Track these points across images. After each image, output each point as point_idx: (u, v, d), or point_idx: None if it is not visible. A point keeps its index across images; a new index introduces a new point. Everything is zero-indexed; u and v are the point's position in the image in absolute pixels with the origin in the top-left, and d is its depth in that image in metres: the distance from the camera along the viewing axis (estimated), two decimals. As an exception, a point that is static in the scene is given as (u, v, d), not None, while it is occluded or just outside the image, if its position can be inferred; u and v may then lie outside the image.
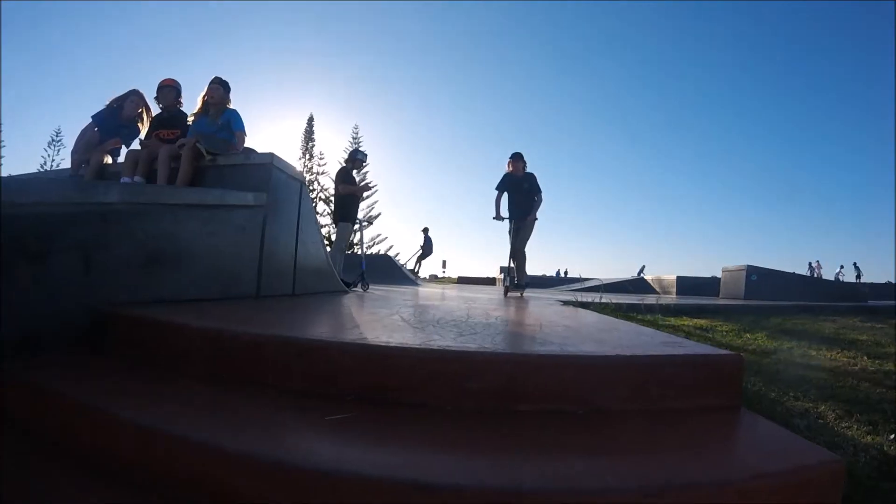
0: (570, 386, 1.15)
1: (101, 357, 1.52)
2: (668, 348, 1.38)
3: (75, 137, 3.60)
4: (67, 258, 1.59)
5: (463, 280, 21.69)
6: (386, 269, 10.31)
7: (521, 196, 5.09)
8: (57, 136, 38.98)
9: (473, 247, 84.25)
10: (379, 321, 1.81)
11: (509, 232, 5.13)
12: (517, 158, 5.14)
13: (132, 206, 1.87)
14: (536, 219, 5.12)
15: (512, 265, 5.21)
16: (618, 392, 1.16)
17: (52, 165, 38.02)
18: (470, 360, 1.17)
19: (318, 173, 30.96)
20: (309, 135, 32.45)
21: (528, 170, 5.20)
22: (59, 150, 38.37)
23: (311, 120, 32.87)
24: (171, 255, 2.03)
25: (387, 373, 1.16)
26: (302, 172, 3.66)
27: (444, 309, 2.69)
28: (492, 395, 1.13)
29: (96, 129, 3.55)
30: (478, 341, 1.37)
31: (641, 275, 18.34)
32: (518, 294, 5.37)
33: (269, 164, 2.70)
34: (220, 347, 1.32)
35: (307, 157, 31.85)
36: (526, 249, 5.22)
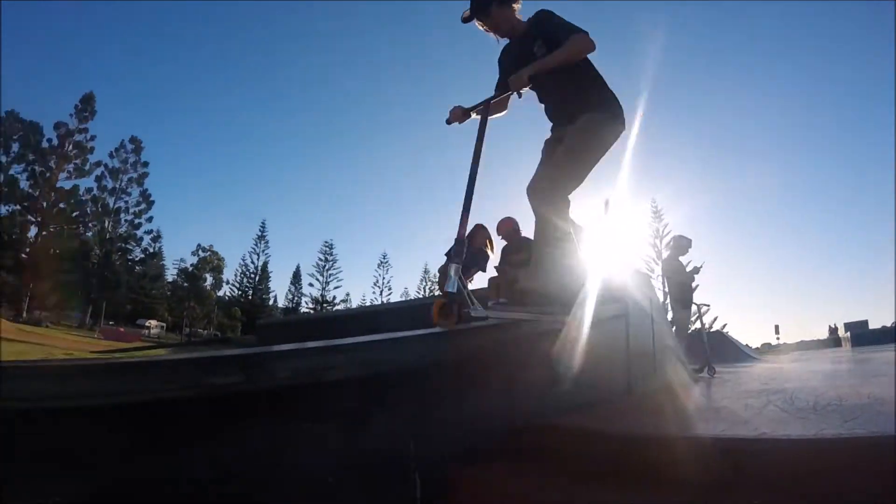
0: None
1: (522, 462, 1.71)
2: None
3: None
4: (496, 382, 1.90)
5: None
6: (719, 347, 8.90)
7: None
8: (384, 258, 52.07)
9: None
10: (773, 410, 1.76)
11: None
12: None
13: (536, 332, 2.27)
14: None
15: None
16: None
17: (382, 283, 50.32)
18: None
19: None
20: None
21: None
22: (387, 270, 50.58)
23: (607, 204, 35.02)
24: (565, 368, 2.32)
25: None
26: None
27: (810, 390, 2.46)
28: None
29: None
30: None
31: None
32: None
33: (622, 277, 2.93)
34: (628, 448, 1.50)
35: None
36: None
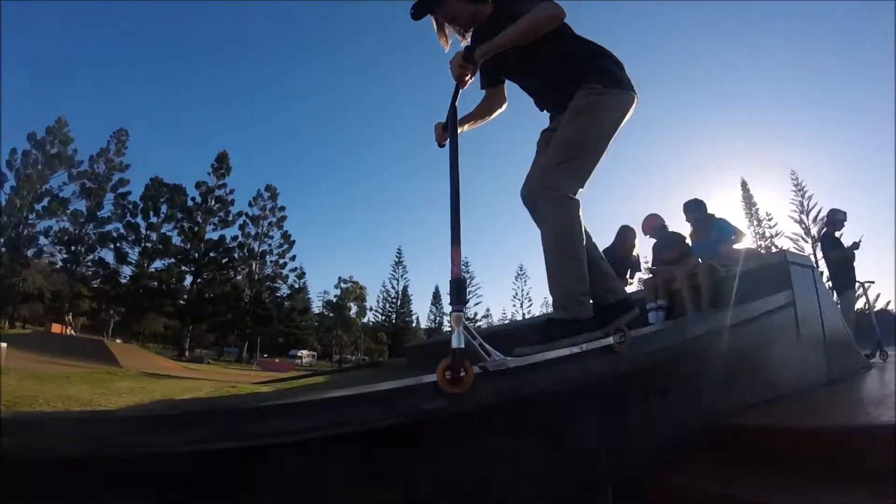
0: None
1: (714, 461, 1.74)
2: None
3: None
4: (680, 387, 1.94)
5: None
6: (885, 327, 7.68)
7: None
8: (521, 269, 52.07)
9: None
10: None
11: None
12: None
13: (713, 335, 2.37)
14: None
15: None
16: None
17: (522, 295, 50.08)
18: None
19: (770, 237, 29.26)
20: (748, 200, 32.11)
21: None
22: (525, 281, 50.74)
23: (744, 184, 32.74)
24: (738, 366, 2.37)
25: None
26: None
27: None
28: None
29: None
30: None
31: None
32: None
33: (785, 262, 2.87)
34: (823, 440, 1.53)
35: (755, 223, 30.85)
36: None
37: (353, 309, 51.34)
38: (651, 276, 4.03)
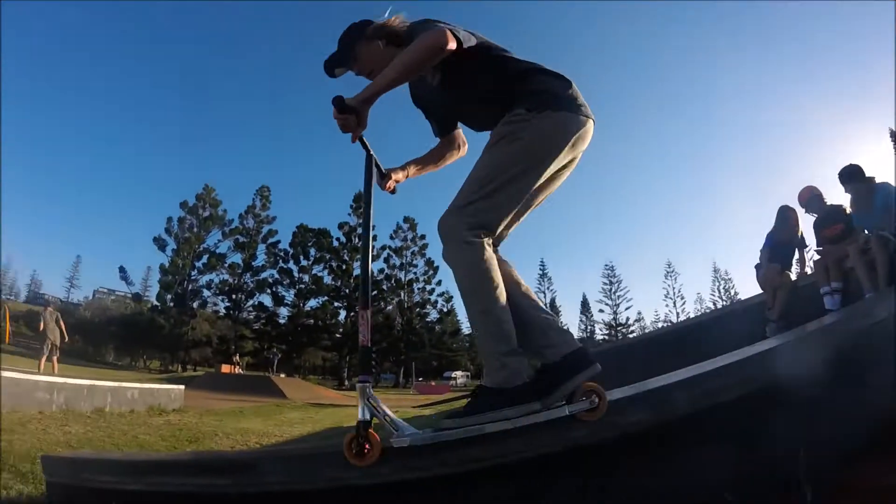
0: None
1: None
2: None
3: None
4: (865, 379, 1.68)
5: None
6: None
7: None
8: (670, 266, 49.73)
9: None
10: None
11: None
12: None
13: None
14: None
15: None
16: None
17: (674, 294, 47.45)
18: None
19: None
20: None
21: None
22: (676, 279, 49.24)
23: (895, 134, 26.78)
24: None
25: None
26: None
27: None
28: None
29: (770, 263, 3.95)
30: None
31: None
32: None
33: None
34: None
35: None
36: None
37: (504, 325, 52.63)
38: (818, 257, 3.41)
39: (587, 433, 1.25)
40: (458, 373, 47.30)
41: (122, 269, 41.77)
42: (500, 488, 1.30)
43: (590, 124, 1.48)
